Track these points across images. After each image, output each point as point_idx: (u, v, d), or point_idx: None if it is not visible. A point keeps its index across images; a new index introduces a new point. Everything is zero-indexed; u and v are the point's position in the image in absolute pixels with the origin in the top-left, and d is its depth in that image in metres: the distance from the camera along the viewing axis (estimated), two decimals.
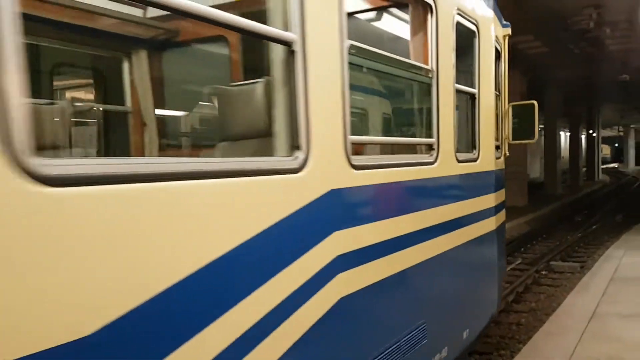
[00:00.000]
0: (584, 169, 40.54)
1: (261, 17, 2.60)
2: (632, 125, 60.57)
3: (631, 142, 63.39)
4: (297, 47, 2.58)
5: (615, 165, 66.15)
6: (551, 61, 18.77)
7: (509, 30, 6.19)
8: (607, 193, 32.15)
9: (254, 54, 3.98)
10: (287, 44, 2.57)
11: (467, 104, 4.97)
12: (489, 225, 5.31)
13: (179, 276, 1.96)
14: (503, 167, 6.16)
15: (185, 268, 1.99)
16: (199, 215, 2.09)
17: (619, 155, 69.80)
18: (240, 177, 2.32)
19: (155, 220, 1.89)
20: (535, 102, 6.22)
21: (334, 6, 2.88)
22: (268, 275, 2.42)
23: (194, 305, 2.04)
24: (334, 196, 2.87)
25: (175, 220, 1.97)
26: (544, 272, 12.03)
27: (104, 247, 1.69)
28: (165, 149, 4.77)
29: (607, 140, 68.75)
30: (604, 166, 54.44)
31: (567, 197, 27.23)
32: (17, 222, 1.46)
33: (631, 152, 63.51)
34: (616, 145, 73.23)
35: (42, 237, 1.53)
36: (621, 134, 64.45)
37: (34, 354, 1.49)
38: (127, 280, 1.77)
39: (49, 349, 1.52)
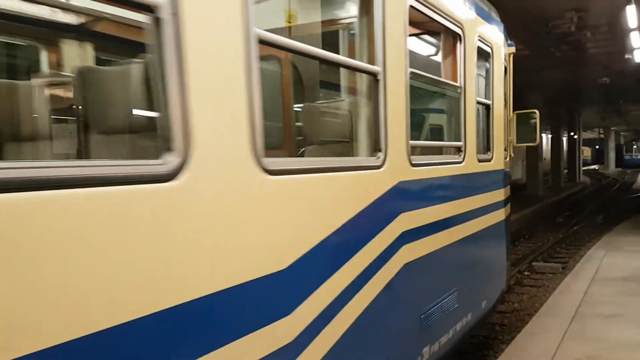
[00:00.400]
0: (565, 171, 40.96)
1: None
2: (612, 128, 61.35)
3: (611, 145, 64.17)
4: (381, 77, 3.55)
5: (596, 167, 66.94)
6: (532, 64, 18.93)
7: (513, 49, 7.17)
8: (588, 194, 32.51)
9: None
10: (373, 74, 3.55)
11: (483, 113, 6.01)
12: (500, 215, 6.45)
13: (299, 254, 2.74)
14: (509, 167, 7.18)
15: (301, 248, 2.78)
16: (312, 202, 2.89)
17: (599, 157, 70.65)
18: (339, 172, 3.18)
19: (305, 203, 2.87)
20: (537, 111, 7.45)
21: (403, 45, 3.87)
22: (353, 252, 3.25)
23: (297, 283, 2.76)
24: (400, 187, 3.79)
25: (299, 206, 2.81)
26: (526, 273, 12.13)
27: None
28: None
29: (588, 143, 69.54)
30: (585, 168, 55.05)
31: (548, 199, 27.49)
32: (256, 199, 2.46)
33: (611, 155, 64.28)
34: (597, 147, 74.12)
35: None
36: (602, 136, 65.27)
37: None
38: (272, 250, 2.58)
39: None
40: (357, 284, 3.25)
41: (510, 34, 7.46)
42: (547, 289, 10.45)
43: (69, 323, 1.67)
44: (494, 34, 6.13)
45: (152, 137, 2.19)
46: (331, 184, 3.08)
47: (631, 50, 17.93)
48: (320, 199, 2.96)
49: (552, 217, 21.52)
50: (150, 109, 2.20)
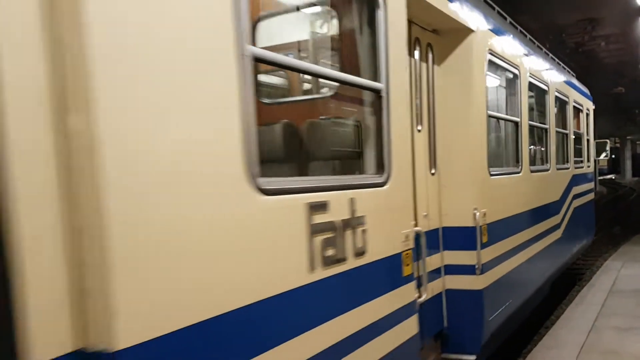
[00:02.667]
0: None
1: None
2: (628, 137, 60.77)
3: (628, 154, 63.51)
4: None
5: (612, 176, 66.27)
6: None
7: (592, 105, 12.64)
8: (604, 204, 32.13)
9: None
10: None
11: (586, 143, 12.04)
12: (591, 196, 12.32)
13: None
14: (592, 170, 12.76)
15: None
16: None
17: (616, 166, 69.94)
18: None
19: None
20: (608, 141, 14.47)
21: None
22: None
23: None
24: None
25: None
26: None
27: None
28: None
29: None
30: (601, 177, 54.50)
31: None
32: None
33: (628, 164, 63.64)
34: (613, 156, 73.45)
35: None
36: (617, 145, 64.69)
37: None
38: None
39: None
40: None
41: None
42: (564, 300, 10.35)
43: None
44: (586, 102, 11.90)
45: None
46: None
47: None
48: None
49: None
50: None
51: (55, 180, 1.71)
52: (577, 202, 10.30)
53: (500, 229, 5.68)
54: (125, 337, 1.79)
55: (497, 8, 6.54)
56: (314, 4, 4.32)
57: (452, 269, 5.12)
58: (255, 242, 2.39)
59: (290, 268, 2.61)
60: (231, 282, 2.24)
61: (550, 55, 9.45)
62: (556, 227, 8.60)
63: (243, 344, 2.30)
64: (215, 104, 2.20)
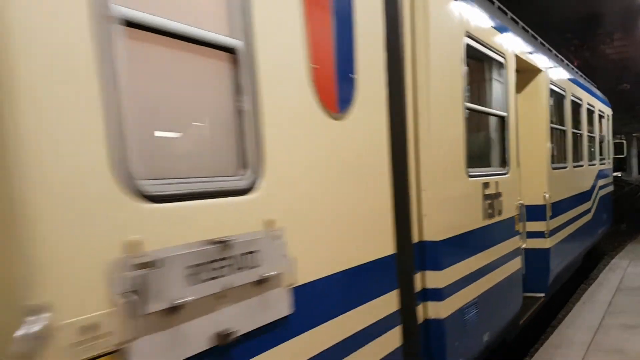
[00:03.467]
0: None
1: None
2: (634, 134, 60.47)
3: (634, 151, 63.16)
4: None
5: (618, 174, 65.92)
6: None
7: (611, 111, 14.59)
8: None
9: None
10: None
11: (607, 144, 14.34)
12: (610, 188, 14.42)
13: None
14: (610, 167, 14.94)
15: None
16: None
17: (621, 163, 69.61)
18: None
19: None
20: (624, 142, 16.58)
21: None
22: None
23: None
24: None
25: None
26: None
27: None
28: None
29: None
30: None
31: None
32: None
33: (634, 161, 63.32)
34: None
35: None
36: (622, 141, 64.32)
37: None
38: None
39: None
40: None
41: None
42: (571, 299, 10.28)
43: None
44: (607, 109, 14.05)
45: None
46: None
47: None
48: None
49: None
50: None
51: None
52: (601, 193, 12.68)
53: (558, 207, 8.22)
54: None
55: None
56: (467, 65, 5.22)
57: (529, 234, 7.27)
58: (465, 201, 4.73)
59: (472, 217, 4.84)
60: None
61: (580, 73, 11.84)
62: (588, 210, 10.99)
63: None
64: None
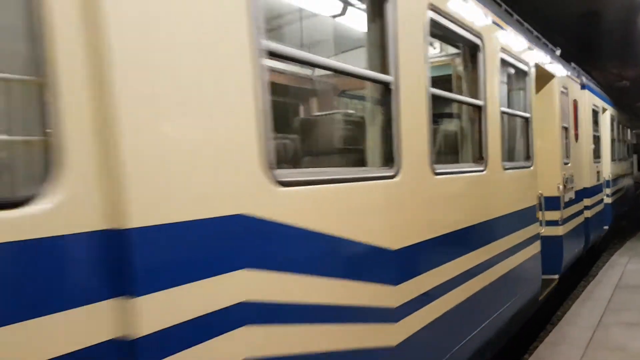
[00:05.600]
0: None
1: None
2: (633, 131, 60.41)
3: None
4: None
5: None
6: None
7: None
8: None
9: None
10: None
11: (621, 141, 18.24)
12: (631, 179, 20.01)
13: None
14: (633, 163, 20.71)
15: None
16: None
17: None
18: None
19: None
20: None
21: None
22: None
23: None
24: None
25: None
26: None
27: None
28: None
29: None
30: None
31: None
32: None
33: (634, 158, 63.33)
34: None
35: None
36: None
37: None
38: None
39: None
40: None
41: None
42: (570, 296, 10.30)
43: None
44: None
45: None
46: None
47: None
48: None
49: None
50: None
51: None
52: (627, 182, 18.01)
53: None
54: None
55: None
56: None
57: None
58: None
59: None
60: None
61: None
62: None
63: None
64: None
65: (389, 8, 3.51)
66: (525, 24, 7.36)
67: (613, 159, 14.98)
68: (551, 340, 6.74)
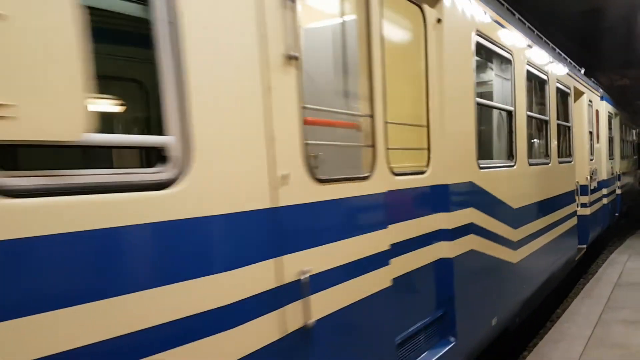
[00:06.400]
0: None
1: None
2: (633, 129, 60.40)
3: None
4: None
5: None
6: None
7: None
8: None
9: None
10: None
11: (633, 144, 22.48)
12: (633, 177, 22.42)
13: None
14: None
15: None
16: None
17: None
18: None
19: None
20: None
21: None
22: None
23: None
24: None
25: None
26: None
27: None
28: None
29: None
30: None
31: None
32: None
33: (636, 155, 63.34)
34: None
35: None
36: None
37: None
38: None
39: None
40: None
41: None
42: (570, 294, 10.31)
43: None
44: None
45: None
46: None
47: None
48: None
49: None
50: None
51: None
52: (631, 178, 20.41)
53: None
54: None
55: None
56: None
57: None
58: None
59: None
60: None
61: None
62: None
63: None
64: None
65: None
66: (569, 60, 10.24)
67: (622, 157, 17.81)
68: (551, 337, 6.76)
